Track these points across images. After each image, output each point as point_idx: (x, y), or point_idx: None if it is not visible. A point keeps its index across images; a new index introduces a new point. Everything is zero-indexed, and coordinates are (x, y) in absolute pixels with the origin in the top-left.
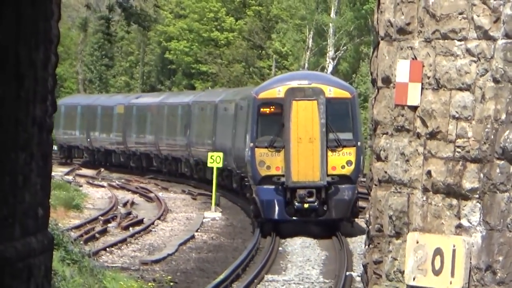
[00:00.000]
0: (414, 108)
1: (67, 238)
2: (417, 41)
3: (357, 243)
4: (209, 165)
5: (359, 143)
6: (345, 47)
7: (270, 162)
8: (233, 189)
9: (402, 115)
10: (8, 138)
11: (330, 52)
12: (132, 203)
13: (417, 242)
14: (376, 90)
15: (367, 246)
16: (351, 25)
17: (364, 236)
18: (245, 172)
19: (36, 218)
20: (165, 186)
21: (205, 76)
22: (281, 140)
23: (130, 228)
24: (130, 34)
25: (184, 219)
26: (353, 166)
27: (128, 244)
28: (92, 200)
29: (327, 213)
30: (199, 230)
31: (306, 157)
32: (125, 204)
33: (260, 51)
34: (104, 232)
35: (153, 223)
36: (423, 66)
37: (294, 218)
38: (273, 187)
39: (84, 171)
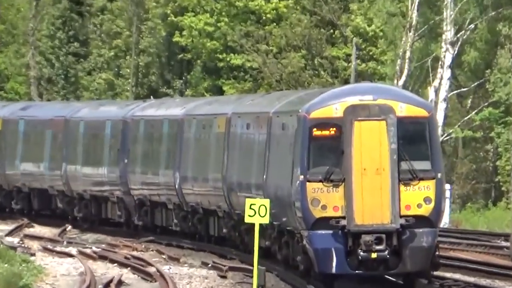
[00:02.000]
0: None
1: None
2: None
3: None
4: (247, 220)
5: (439, 175)
6: (472, 25)
7: (326, 201)
8: (279, 257)
9: None
10: None
11: (448, 33)
12: (120, 283)
13: None
14: None
15: None
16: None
17: None
18: (287, 221)
19: None
20: (174, 255)
21: (240, 72)
22: (340, 172)
23: None
24: (116, 3)
25: None
26: (432, 204)
27: None
28: (52, 278)
29: (400, 265)
30: None
31: (372, 193)
32: (107, 286)
33: (332, 31)
34: None
35: None
36: None
37: (357, 271)
38: (330, 232)
39: (38, 229)
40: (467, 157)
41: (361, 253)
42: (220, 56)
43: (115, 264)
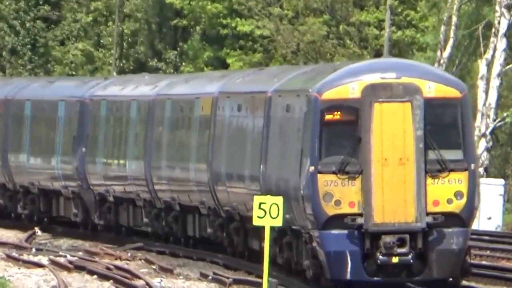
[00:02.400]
0: None
1: None
2: None
3: None
4: (256, 222)
5: (473, 166)
6: None
7: (340, 195)
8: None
9: None
10: None
11: None
12: None
13: None
14: None
15: None
16: None
17: None
18: (292, 218)
19: None
20: (167, 265)
21: (248, 42)
22: (357, 162)
23: None
24: None
25: None
26: (464, 200)
27: None
28: None
29: (426, 271)
30: None
31: (395, 186)
32: None
33: None
34: None
35: None
36: None
37: (376, 278)
38: (345, 232)
39: (1, 233)
40: None
41: (381, 256)
42: (224, 22)
43: (95, 276)
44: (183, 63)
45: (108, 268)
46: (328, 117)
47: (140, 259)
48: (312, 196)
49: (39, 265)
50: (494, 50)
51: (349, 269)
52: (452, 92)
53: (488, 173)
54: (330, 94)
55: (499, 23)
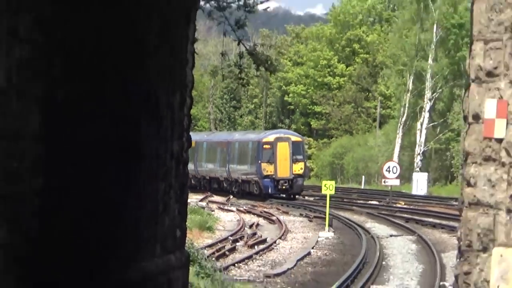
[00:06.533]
0: (500, 141)
1: (201, 255)
2: (503, 83)
3: (449, 258)
4: (323, 192)
5: (304, 161)
6: (440, 90)
7: (268, 169)
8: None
9: (489, 147)
10: (151, 172)
11: (428, 94)
12: (257, 225)
13: (501, 256)
14: (467, 126)
15: (458, 260)
16: (446, 70)
17: (455, 252)
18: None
19: (174, 239)
20: (285, 211)
21: (319, 115)
22: (273, 160)
23: (255, 246)
24: (255, 80)
25: (301, 238)
26: (302, 170)
27: (254, 260)
28: (222, 222)
29: (291, 191)
30: (314, 248)
31: (284, 165)
32: (251, 226)
33: (367, 94)
34: (233, 250)
35: (275, 242)
36: (508, 104)
37: (278, 193)
38: (269, 179)
39: (216, 198)
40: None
41: (279, 186)
42: (309, 107)
43: (255, 215)
44: (292, 124)
45: (260, 212)
46: (264, 146)
47: (273, 208)
48: (260, 171)
49: (231, 211)
50: (423, 118)
51: (269, 190)
52: (298, 139)
53: (421, 170)
54: (264, 140)
55: (425, 106)
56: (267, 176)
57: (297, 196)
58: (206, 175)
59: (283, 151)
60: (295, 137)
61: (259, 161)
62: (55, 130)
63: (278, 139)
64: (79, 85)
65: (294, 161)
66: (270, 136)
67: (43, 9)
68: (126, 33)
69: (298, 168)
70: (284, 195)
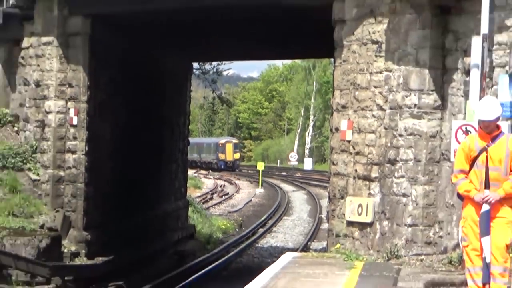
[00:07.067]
0: (348, 141)
1: (194, 201)
2: (350, 111)
3: (324, 202)
4: (258, 168)
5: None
6: (318, 115)
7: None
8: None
9: (344, 144)
10: (169, 158)
11: (311, 117)
12: (224, 185)
13: (351, 201)
14: (332, 133)
15: (328, 203)
16: (321, 105)
17: (327, 199)
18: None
19: (181, 193)
20: (238, 178)
21: (255, 129)
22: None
23: (223, 196)
24: (221, 110)
25: (247, 192)
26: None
27: (222, 203)
28: (206, 184)
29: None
30: (253, 197)
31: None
32: (221, 186)
33: (280, 117)
34: (211, 198)
35: (233, 194)
36: (353, 122)
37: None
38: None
39: (203, 172)
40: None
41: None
42: (250, 125)
43: (223, 180)
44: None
45: (226, 179)
46: (220, 145)
47: (233, 176)
48: (217, 157)
49: (210, 178)
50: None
51: (222, 166)
52: (237, 141)
53: (309, 156)
54: (220, 142)
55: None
56: (221, 160)
57: (236, 170)
58: (195, 160)
59: (229, 147)
60: (235, 141)
61: (217, 152)
62: (116, 136)
63: (226, 141)
64: (134, 117)
65: (234, 152)
66: (222, 140)
67: (115, 73)
68: (157, 90)
69: (236, 156)
70: (229, 169)
